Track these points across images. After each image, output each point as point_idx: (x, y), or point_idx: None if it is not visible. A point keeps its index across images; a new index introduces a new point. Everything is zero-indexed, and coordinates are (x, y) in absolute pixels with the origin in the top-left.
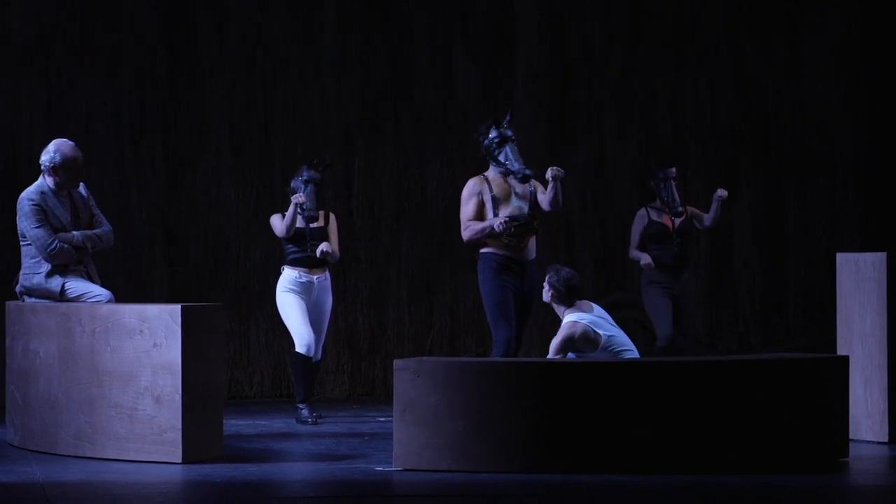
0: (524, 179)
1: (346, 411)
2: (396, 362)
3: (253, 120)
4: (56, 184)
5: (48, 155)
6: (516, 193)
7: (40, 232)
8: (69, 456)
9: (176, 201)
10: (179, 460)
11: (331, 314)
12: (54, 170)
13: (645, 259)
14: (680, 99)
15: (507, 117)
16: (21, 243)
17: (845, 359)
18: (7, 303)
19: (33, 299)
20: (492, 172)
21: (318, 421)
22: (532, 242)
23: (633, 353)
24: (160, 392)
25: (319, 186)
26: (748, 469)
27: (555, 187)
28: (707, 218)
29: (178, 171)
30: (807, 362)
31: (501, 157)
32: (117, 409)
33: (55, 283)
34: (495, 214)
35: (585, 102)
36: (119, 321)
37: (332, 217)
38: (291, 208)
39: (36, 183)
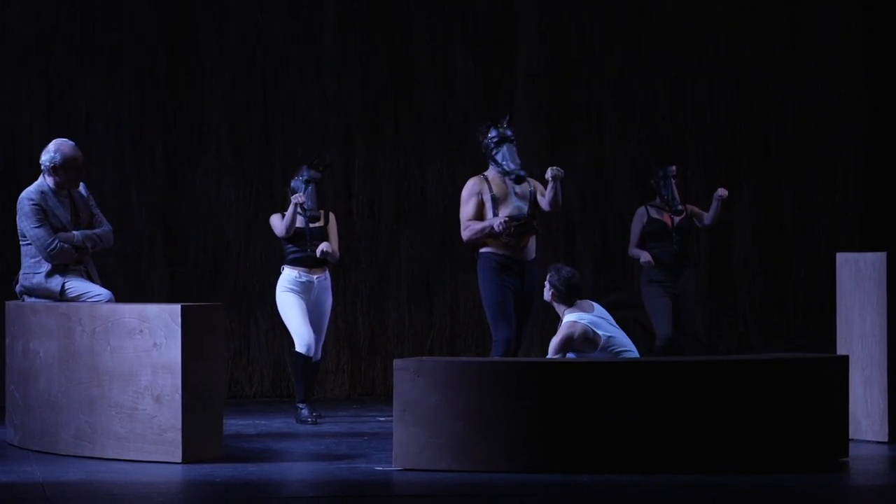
0: (518, 180)
1: (346, 411)
2: (396, 362)
3: (253, 120)
4: (56, 184)
5: (48, 155)
6: (516, 193)
7: (40, 232)
8: (69, 456)
9: (176, 201)
10: (179, 460)
11: (331, 314)
12: (54, 170)
13: (644, 257)
14: (680, 99)
15: (507, 118)
16: (21, 243)
17: (845, 359)
18: (7, 303)
19: (33, 299)
20: (491, 172)
21: (318, 421)
22: (532, 242)
23: (632, 353)
24: (160, 392)
25: (320, 186)
26: (748, 469)
27: (554, 187)
28: (707, 217)
29: (178, 171)
30: (807, 362)
31: (499, 157)
32: (117, 408)
33: (55, 282)
34: (495, 214)
35: (585, 102)
36: (119, 321)
37: (332, 217)
38: (291, 208)
39: (36, 183)
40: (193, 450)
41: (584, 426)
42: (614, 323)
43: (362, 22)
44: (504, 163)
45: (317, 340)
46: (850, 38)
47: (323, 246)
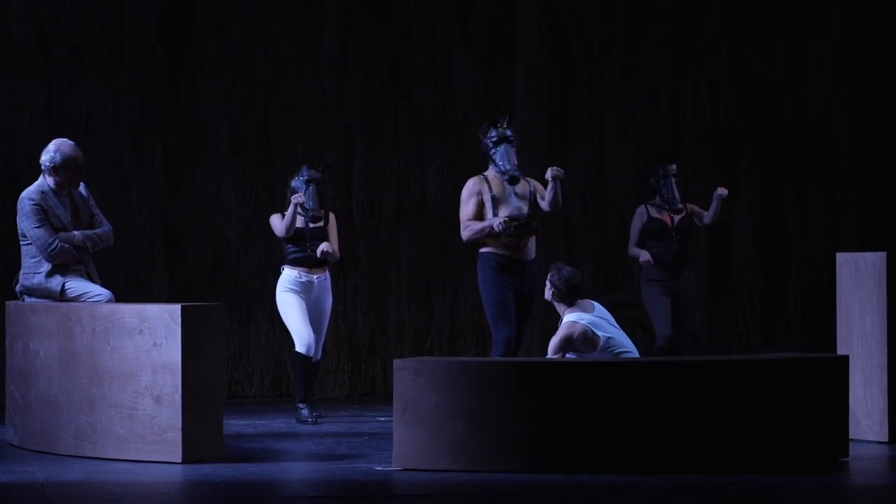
0: (512, 181)
1: (346, 411)
2: (396, 362)
3: (253, 120)
4: (56, 183)
5: (48, 155)
6: (516, 193)
7: (41, 232)
8: (69, 456)
9: (176, 201)
10: (179, 460)
11: (331, 314)
12: (54, 170)
13: (644, 256)
14: (680, 99)
15: (507, 118)
16: (21, 243)
17: (845, 359)
18: (7, 303)
19: (33, 299)
20: (491, 172)
21: (318, 421)
22: (532, 242)
23: (632, 354)
24: (160, 392)
25: (320, 186)
26: (748, 469)
27: (554, 187)
28: (707, 216)
29: (178, 171)
30: (807, 362)
31: (496, 157)
32: (117, 408)
33: (55, 282)
34: (495, 214)
35: (585, 102)
36: (119, 321)
37: (332, 217)
38: (291, 208)
39: (36, 183)
40: (193, 450)
41: (584, 426)
42: (615, 323)
43: (362, 22)
44: (500, 163)
45: (317, 340)
46: (850, 38)
47: (323, 246)
